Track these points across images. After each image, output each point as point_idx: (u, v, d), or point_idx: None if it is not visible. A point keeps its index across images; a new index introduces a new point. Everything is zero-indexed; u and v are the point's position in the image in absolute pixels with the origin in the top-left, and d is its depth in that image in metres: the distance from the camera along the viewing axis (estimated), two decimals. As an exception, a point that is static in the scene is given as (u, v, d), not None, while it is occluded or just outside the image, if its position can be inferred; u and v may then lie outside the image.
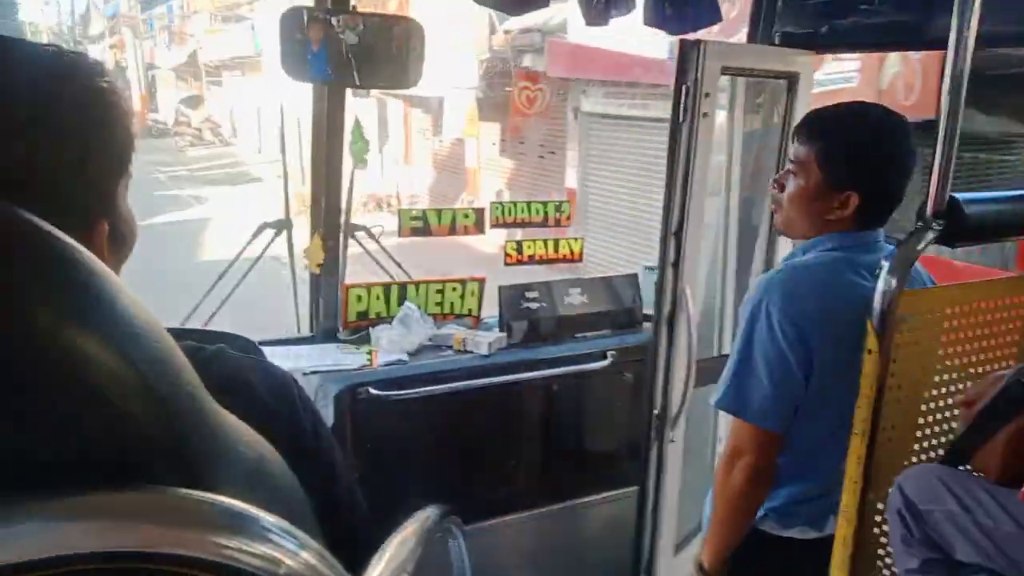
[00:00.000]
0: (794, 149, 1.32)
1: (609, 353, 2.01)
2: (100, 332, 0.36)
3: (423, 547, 0.66)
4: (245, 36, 15.23)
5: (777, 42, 1.92)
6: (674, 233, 1.64)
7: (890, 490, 1.08)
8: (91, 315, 0.36)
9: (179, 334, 0.47)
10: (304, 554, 0.37)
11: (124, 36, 25.55)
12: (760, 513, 1.36)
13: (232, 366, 0.63)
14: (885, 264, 1.09)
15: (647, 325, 2.20)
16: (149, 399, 0.38)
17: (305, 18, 1.73)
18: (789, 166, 1.35)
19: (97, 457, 0.36)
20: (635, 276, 2.24)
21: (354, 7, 1.78)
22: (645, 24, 1.91)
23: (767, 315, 1.25)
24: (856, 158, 1.27)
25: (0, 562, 0.31)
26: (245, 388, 0.60)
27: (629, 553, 1.83)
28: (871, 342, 1.10)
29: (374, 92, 9.74)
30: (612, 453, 2.12)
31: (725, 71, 1.70)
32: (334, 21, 1.75)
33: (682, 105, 1.59)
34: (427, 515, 0.72)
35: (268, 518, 0.37)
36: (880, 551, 1.20)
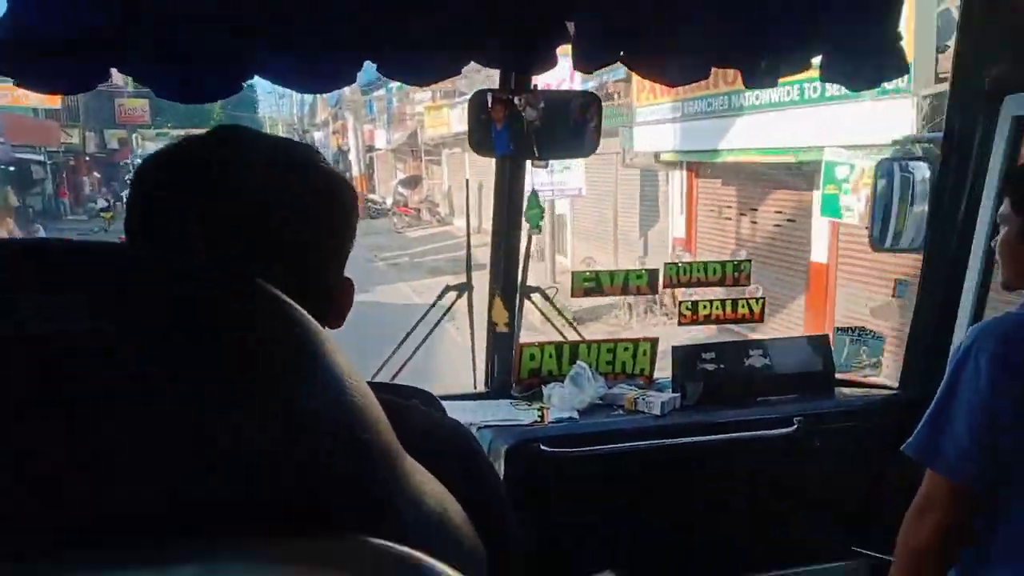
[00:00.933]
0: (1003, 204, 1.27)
1: (796, 419, 1.88)
2: (311, 382, 0.39)
3: None
4: (462, 114, 15.85)
5: (987, 86, 1.76)
6: None
7: None
8: (307, 368, 0.39)
9: (377, 390, 0.48)
10: None
11: (346, 120, 28.88)
12: None
13: (420, 420, 0.67)
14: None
15: (839, 391, 2.04)
16: (350, 445, 0.39)
17: (490, 99, 1.90)
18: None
19: (299, 500, 0.37)
20: (826, 337, 2.10)
21: (535, 86, 1.92)
22: (822, 80, 1.84)
23: (975, 360, 1.16)
24: None
25: None
26: (433, 442, 0.62)
27: None
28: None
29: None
30: (799, 526, 1.95)
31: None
32: (516, 100, 1.90)
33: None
34: None
35: (452, 573, 0.37)
36: None
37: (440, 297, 2.06)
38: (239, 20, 1.37)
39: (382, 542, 0.36)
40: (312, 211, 0.63)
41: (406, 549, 0.37)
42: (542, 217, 1.94)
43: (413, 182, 22.51)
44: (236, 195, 0.59)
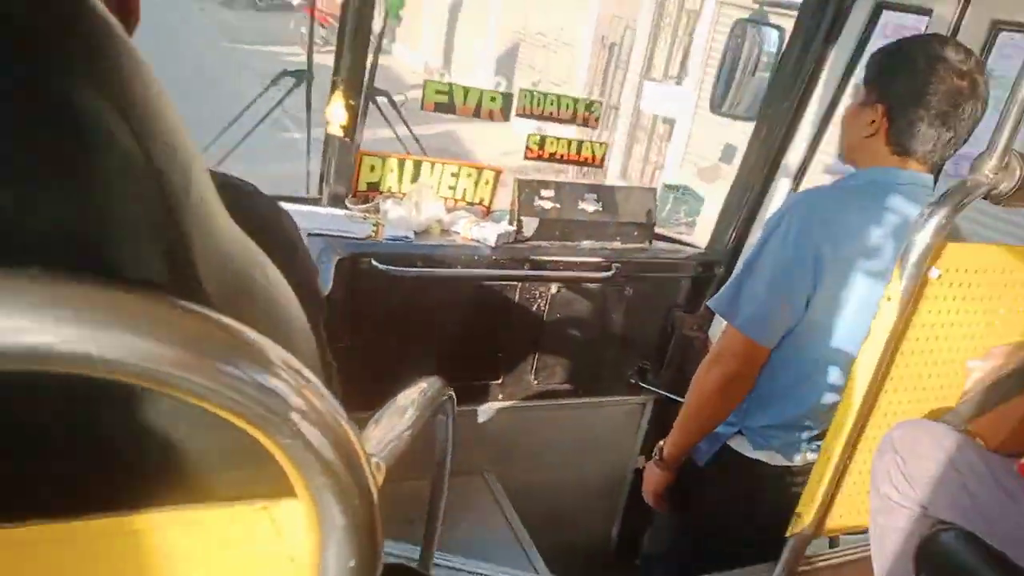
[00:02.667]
0: None
1: (614, 265, 1.98)
2: (101, 92, 0.30)
3: (423, 415, 0.64)
4: None
5: None
6: None
7: (883, 437, 1.08)
8: (115, 86, 0.30)
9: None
10: (307, 392, 0.32)
11: None
12: (733, 430, 1.40)
13: (238, 184, 0.61)
14: (927, 210, 1.05)
15: (656, 244, 2.17)
16: (154, 183, 0.32)
17: None
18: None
19: (83, 238, 0.30)
20: (654, 191, 2.19)
21: None
22: None
23: (786, 227, 1.24)
24: (886, 64, 1.24)
25: None
26: (251, 205, 0.58)
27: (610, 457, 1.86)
28: (892, 288, 1.07)
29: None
30: (600, 362, 2.14)
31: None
32: None
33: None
34: (427, 385, 0.69)
35: (274, 347, 0.32)
36: (852, 493, 1.23)
37: (275, 82, 1.79)
38: None
39: (188, 303, 0.30)
40: None
41: (220, 316, 0.31)
42: (403, 5, 1.71)
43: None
44: None
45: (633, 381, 2.19)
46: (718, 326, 2.08)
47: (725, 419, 1.38)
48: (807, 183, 2.02)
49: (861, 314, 1.22)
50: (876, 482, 1.08)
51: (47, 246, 0.29)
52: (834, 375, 1.31)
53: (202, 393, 0.28)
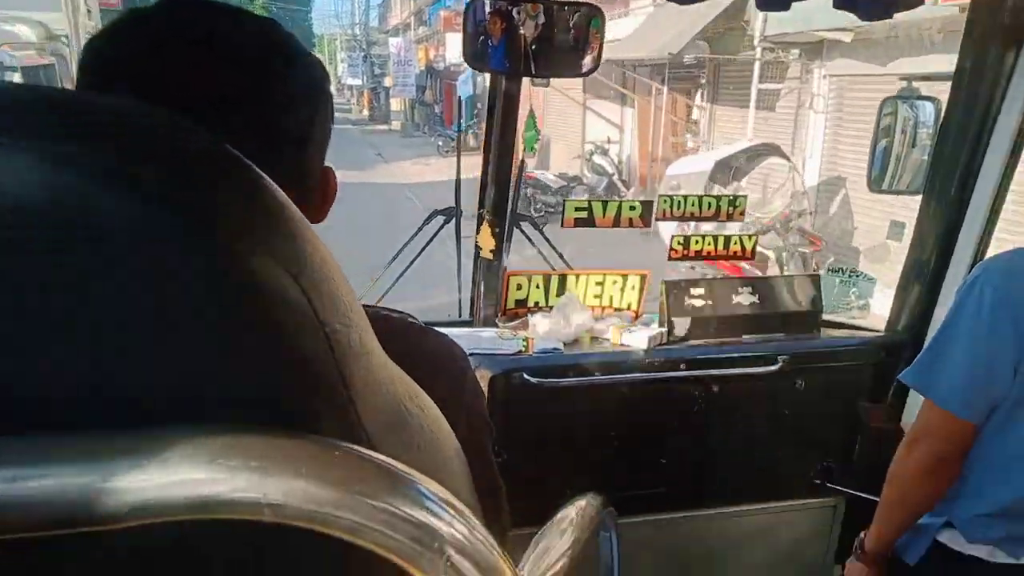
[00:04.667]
0: None
1: (780, 358, 1.87)
2: (273, 255, 0.33)
3: (581, 536, 0.63)
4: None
5: (1006, 21, 1.67)
6: None
7: None
8: (274, 242, 0.33)
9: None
10: (460, 527, 0.32)
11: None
12: (941, 521, 1.24)
13: (417, 333, 0.66)
14: None
15: (826, 331, 2.02)
16: (321, 336, 0.34)
17: (487, 9, 1.78)
18: None
19: (254, 391, 0.32)
20: (817, 276, 2.07)
21: (534, -5, 1.79)
22: (835, 7, 1.74)
23: (980, 293, 1.15)
24: None
25: (139, 487, 0.27)
26: (427, 355, 0.61)
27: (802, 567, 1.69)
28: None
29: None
30: (776, 463, 1.98)
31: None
32: (514, 12, 1.78)
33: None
34: (585, 503, 0.68)
35: (430, 485, 0.33)
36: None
37: (427, 221, 1.98)
38: None
39: (348, 445, 0.32)
40: (289, 103, 0.57)
41: (374, 455, 0.32)
42: (537, 139, 1.85)
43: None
44: (196, 88, 0.52)
45: (818, 482, 1.99)
46: (910, 415, 1.86)
47: (932, 507, 1.25)
48: (991, 252, 1.82)
49: None
50: None
51: (232, 403, 0.32)
52: None
53: (358, 530, 0.29)
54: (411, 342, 0.63)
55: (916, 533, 1.28)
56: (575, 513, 0.65)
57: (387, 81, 29.65)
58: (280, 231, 0.34)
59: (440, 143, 18.72)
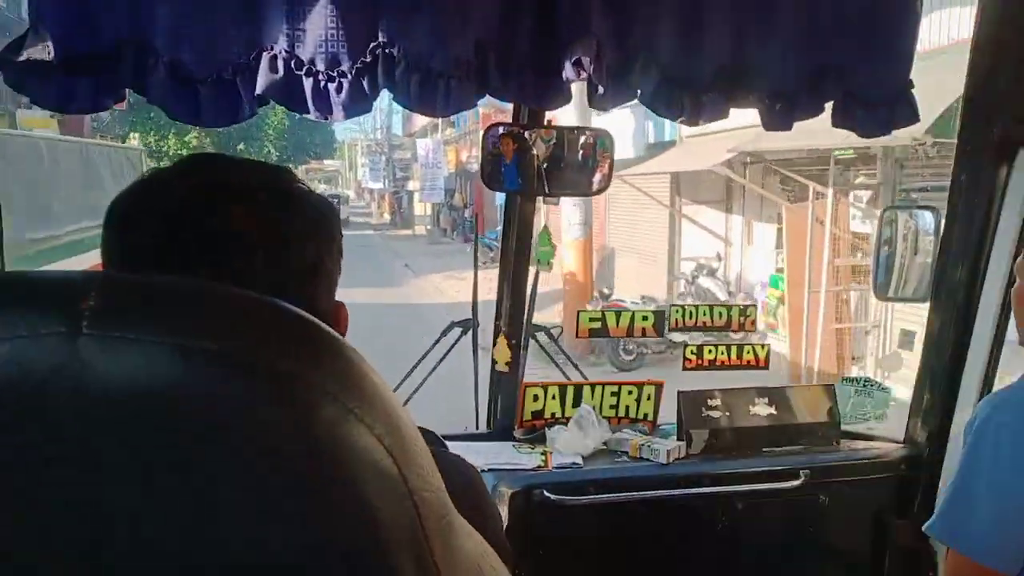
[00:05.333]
0: None
1: (802, 472, 1.83)
2: (358, 417, 0.33)
3: None
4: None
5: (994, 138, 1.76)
6: None
7: None
8: (349, 398, 0.33)
9: None
10: None
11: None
12: None
13: (444, 463, 0.65)
14: None
15: (844, 443, 2.00)
16: (403, 496, 0.34)
17: (501, 133, 1.88)
18: None
19: (343, 561, 0.32)
20: (832, 387, 2.07)
21: (549, 121, 1.90)
22: (834, 126, 1.84)
23: (995, 435, 1.12)
24: None
25: None
26: (454, 486, 0.61)
27: None
28: None
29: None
30: None
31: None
32: (526, 135, 1.88)
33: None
34: None
35: None
36: None
37: (444, 333, 2.01)
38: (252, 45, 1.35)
39: None
40: (295, 241, 0.62)
41: None
42: (552, 255, 1.90)
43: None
44: (211, 227, 0.58)
45: None
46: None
47: None
48: (1003, 361, 1.83)
49: None
50: None
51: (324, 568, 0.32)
52: None
53: None
54: (456, 478, 0.64)
55: None
56: None
57: (411, 185, 28.90)
58: (366, 393, 0.34)
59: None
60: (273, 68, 1.37)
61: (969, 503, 1.14)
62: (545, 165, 1.90)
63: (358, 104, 1.45)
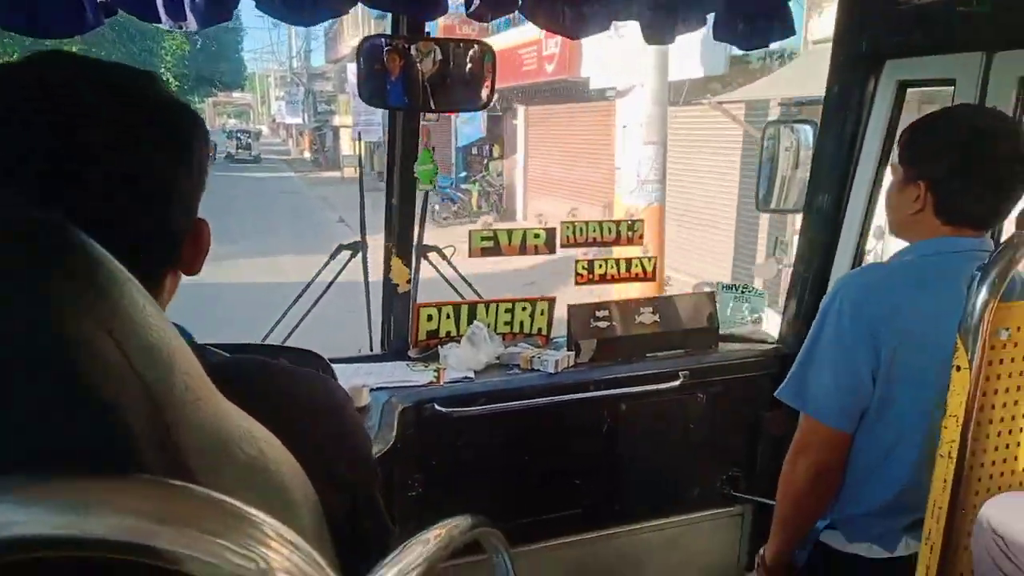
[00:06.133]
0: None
1: (681, 373, 1.95)
2: (95, 321, 0.37)
3: (444, 553, 0.62)
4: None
5: (864, 49, 1.84)
6: None
7: (977, 517, 0.98)
8: (89, 307, 0.37)
9: (254, 350, 0.47)
10: (295, 557, 0.34)
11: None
12: (824, 523, 1.31)
13: (274, 371, 0.65)
14: (977, 273, 1.01)
15: (724, 346, 2.12)
16: (134, 385, 0.38)
17: (384, 48, 1.80)
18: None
19: (78, 443, 0.36)
20: (712, 294, 2.18)
21: (428, 34, 1.83)
22: (716, 39, 1.88)
23: (838, 311, 1.23)
24: (923, 143, 1.24)
25: None
26: (277, 397, 0.61)
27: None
28: (960, 357, 1.01)
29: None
30: (685, 476, 2.05)
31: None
32: (412, 50, 1.81)
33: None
34: (456, 523, 0.67)
35: (263, 517, 0.35)
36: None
37: (333, 256, 1.97)
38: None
39: (174, 482, 0.36)
40: (135, 144, 0.56)
41: (201, 489, 0.36)
42: (436, 173, 1.87)
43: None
44: (47, 133, 0.53)
45: (726, 491, 2.07)
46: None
47: (822, 514, 1.32)
48: (867, 260, 1.97)
49: (936, 387, 1.16)
50: (980, 569, 0.96)
51: (62, 449, 0.36)
52: (919, 453, 1.22)
53: (185, 559, 0.31)
54: (279, 387, 0.63)
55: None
56: (440, 531, 0.63)
57: (336, 120, 25.70)
58: (96, 289, 0.38)
59: (436, 207, 12.63)
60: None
61: (815, 369, 1.26)
62: (430, 80, 1.85)
63: (214, 11, 1.35)
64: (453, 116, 13.12)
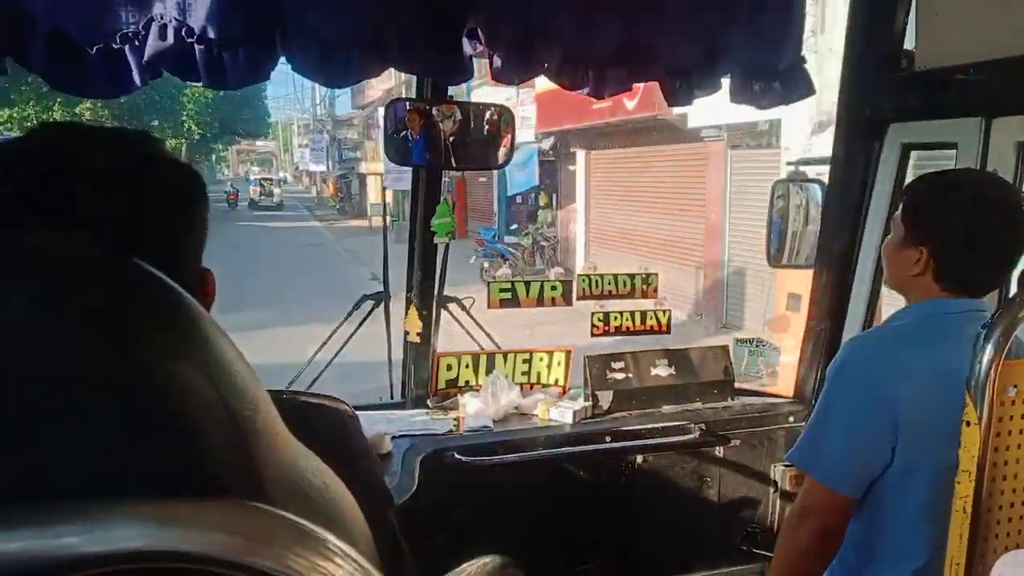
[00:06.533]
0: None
1: (698, 427, 1.96)
2: (188, 359, 0.41)
3: None
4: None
5: (867, 114, 1.90)
6: None
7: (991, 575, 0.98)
8: (181, 344, 0.42)
9: (280, 395, 0.53)
10: (346, 565, 0.38)
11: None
12: None
13: (308, 406, 0.72)
14: (983, 331, 1.04)
15: (739, 399, 2.14)
16: (226, 417, 0.42)
17: (407, 108, 1.90)
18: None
19: (174, 470, 0.40)
20: (726, 348, 2.20)
21: (451, 97, 1.93)
22: (732, 102, 1.94)
23: (851, 376, 1.24)
24: (926, 211, 1.25)
25: (74, 553, 0.32)
26: (316, 423, 0.67)
27: None
28: (969, 413, 1.03)
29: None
30: (702, 531, 2.03)
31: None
32: (433, 111, 1.90)
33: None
34: (486, 561, 0.71)
35: (332, 539, 0.39)
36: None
37: (357, 306, 2.03)
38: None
39: (259, 505, 0.39)
40: (138, 206, 0.59)
41: (284, 513, 0.39)
42: (453, 226, 1.94)
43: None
44: (52, 205, 0.56)
45: (744, 548, 2.05)
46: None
47: None
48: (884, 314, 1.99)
49: (952, 448, 1.16)
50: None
51: (158, 478, 0.40)
52: (939, 517, 1.21)
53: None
54: (308, 424, 0.68)
55: None
56: (471, 569, 0.68)
57: (362, 167, 25.23)
58: (187, 333, 0.43)
59: (486, 264, 11.86)
60: (163, 36, 1.35)
61: (824, 433, 1.26)
62: (451, 140, 1.93)
63: (254, 73, 1.44)
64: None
